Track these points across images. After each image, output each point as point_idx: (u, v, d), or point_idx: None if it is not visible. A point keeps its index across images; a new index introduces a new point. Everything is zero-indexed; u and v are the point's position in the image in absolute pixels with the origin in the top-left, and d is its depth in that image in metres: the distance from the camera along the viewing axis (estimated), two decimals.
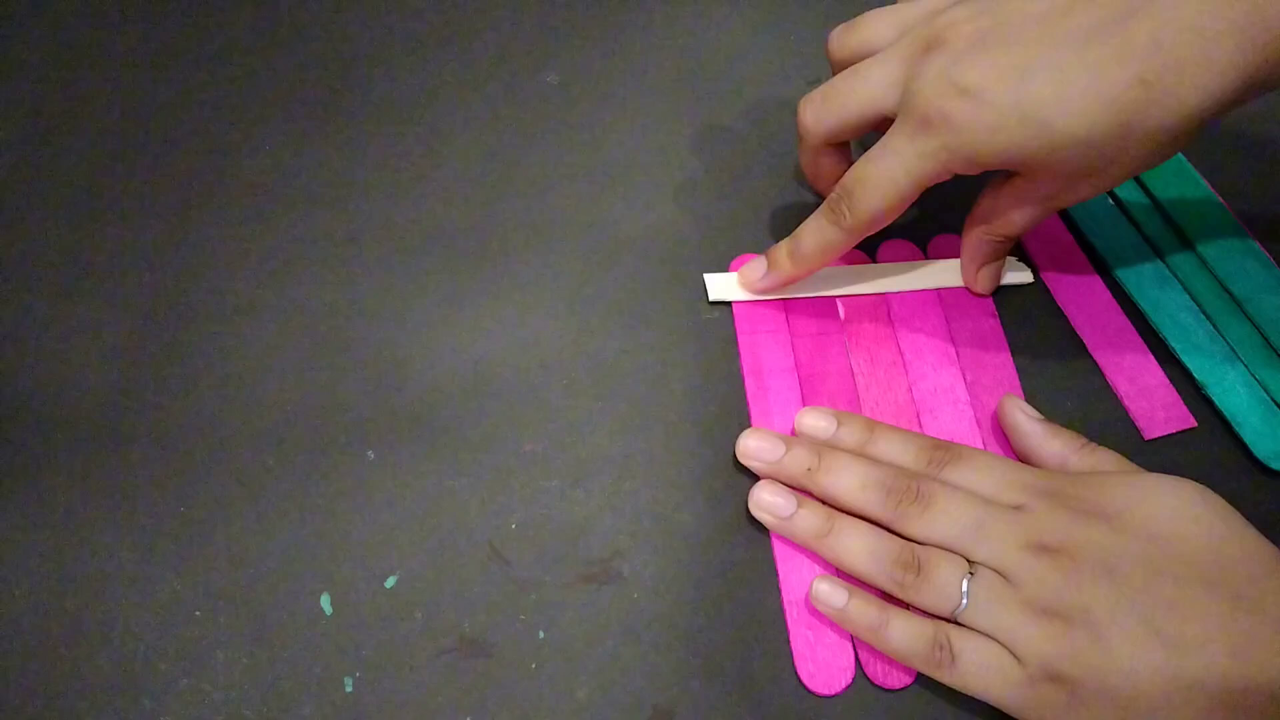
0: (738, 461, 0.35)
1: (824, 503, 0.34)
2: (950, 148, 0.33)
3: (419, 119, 0.45)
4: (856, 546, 0.32)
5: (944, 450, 0.34)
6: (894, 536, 0.32)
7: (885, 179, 0.34)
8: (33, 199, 0.42)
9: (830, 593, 0.32)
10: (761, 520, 0.34)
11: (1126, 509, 0.30)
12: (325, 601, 0.33)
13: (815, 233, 0.37)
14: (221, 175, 0.43)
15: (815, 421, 0.35)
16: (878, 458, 0.34)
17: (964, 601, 0.30)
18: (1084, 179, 0.33)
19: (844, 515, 0.33)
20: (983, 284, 0.39)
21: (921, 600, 0.31)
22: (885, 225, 0.36)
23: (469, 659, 0.32)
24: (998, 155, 0.33)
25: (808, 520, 0.33)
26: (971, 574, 0.31)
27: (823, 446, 0.34)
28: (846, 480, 0.33)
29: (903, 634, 0.31)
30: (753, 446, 0.35)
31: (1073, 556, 0.30)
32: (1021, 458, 0.35)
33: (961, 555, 0.31)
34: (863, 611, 0.31)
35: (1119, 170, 0.33)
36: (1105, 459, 0.33)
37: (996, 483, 0.32)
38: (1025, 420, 0.35)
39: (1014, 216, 0.36)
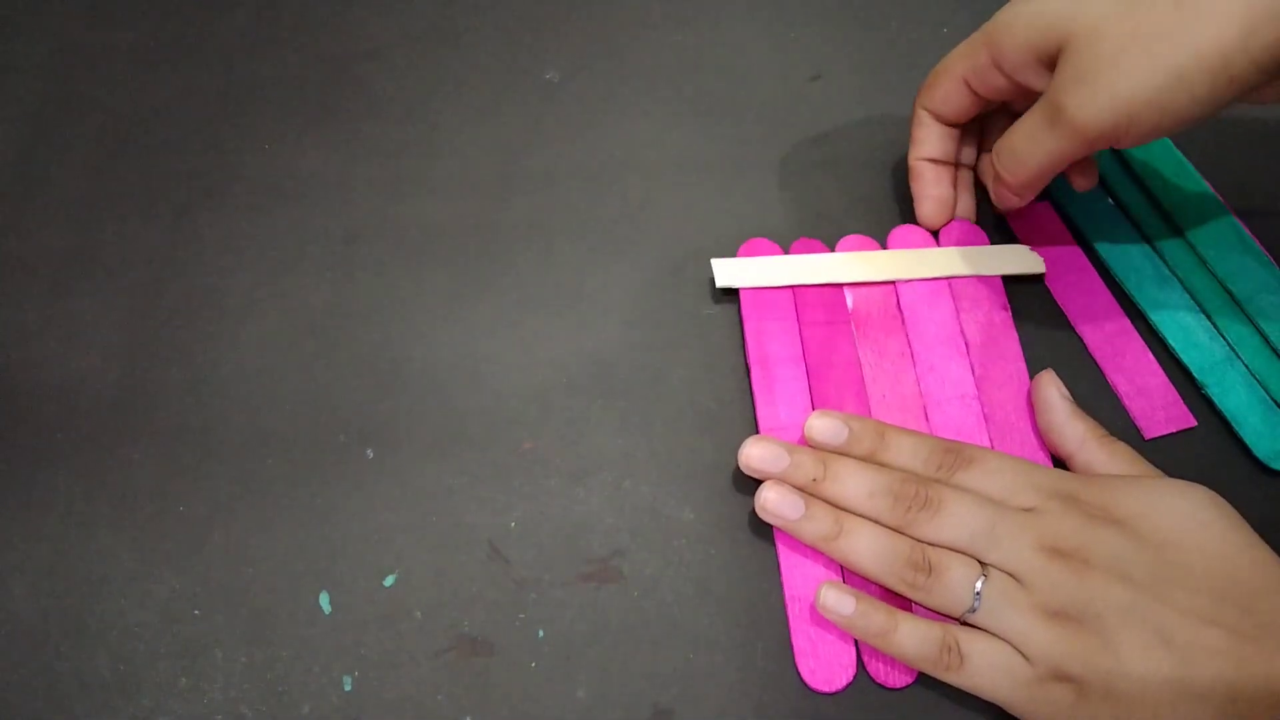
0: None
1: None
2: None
3: (419, 117, 0.45)
4: (866, 548, 0.32)
5: (954, 454, 0.33)
6: (903, 536, 0.32)
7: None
8: (33, 199, 0.42)
9: (838, 600, 0.31)
10: (769, 521, 0.34)
11: (1138, 514, 0.30)
12: (324, 600, 0.33)
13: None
14: (221, 174, 0.43)
15: (825, 427, 0.34)
16: (888, 463, 0.34)
17: (976, 604, 0.30)
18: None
19: (852, 515, 0.33)
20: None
21: (932, 601, 0.31)
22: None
23: (468, 658, 0.32)
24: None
25: (816, 524, 0.33)
26: (984, 576, 0.30)
27: (828, 454, 0.34)
28: (854, 489, 0.33)
29: (911, 638, 0.30)
30: (756, 456, 0.34)
31: (1086, 560, 0.30)
32: (1043, 432, 0.35)
33: (973, 558, 0.31)
34: (871, 618, 0.31)
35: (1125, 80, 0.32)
36: (1121, 452, 0.33)
37: (1008, 485, 0.32)
38: (1057, 397, 0.35)
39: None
